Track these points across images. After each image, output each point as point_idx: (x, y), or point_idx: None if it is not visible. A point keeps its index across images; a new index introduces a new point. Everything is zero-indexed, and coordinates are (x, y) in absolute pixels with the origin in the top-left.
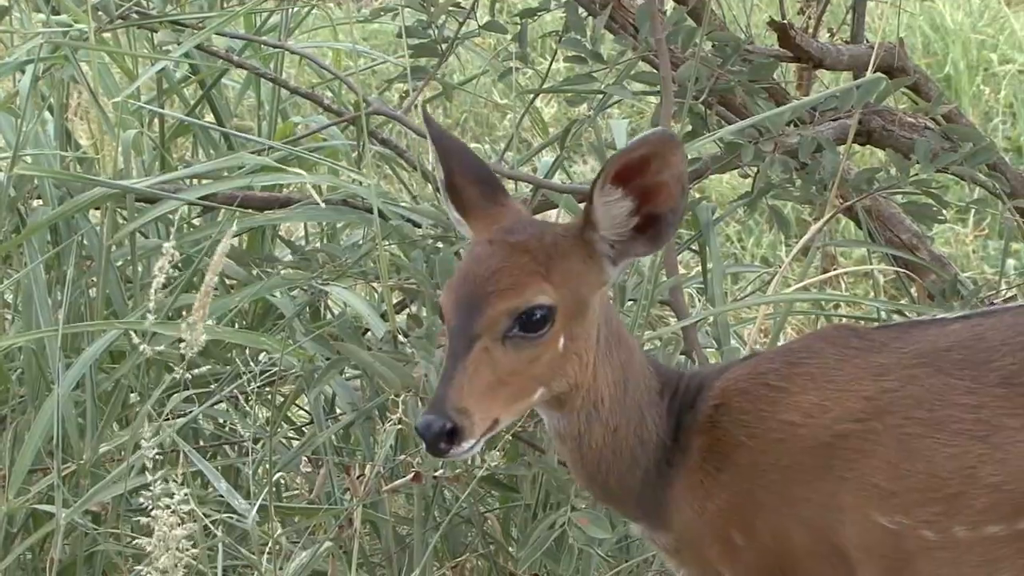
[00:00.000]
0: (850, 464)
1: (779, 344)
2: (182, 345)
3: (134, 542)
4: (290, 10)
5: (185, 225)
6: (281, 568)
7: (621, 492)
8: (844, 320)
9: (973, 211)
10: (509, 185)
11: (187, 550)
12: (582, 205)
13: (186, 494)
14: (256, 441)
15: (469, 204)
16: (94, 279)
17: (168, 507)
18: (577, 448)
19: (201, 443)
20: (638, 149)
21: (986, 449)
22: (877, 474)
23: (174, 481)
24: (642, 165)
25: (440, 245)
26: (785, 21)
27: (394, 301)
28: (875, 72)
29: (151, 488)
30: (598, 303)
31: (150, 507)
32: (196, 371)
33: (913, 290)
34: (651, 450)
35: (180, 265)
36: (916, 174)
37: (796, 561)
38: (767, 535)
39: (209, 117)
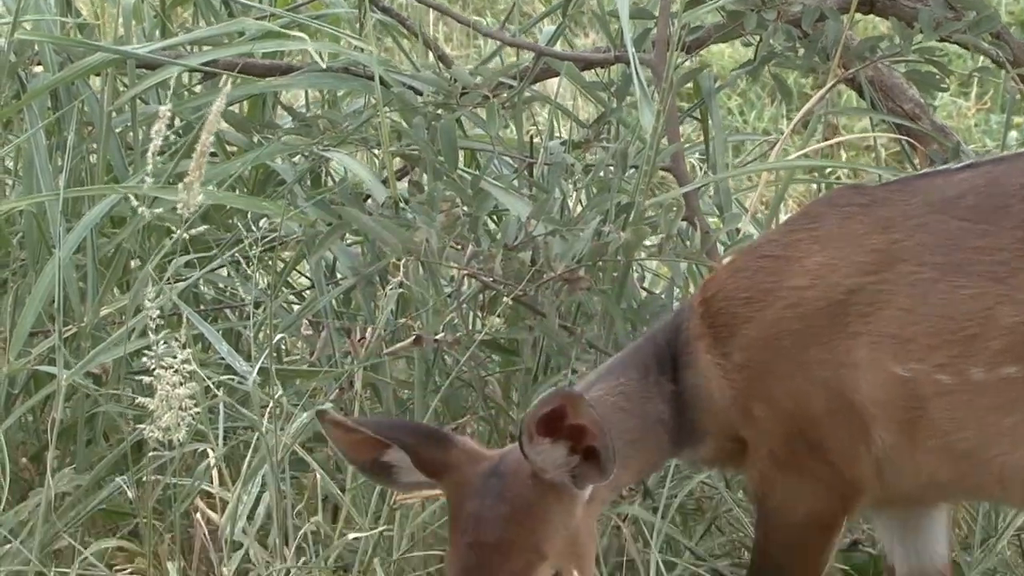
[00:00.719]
0: (864, 318)
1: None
2: (179, 207)
3: (136, 402)
4: None
5: (185, 92)
6: (282, 429)
7: (663, 457)
8: None
9: (975, 84)
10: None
11: (189, 409)
12: (585, 74)
13: (188, 353)
14: (257, 305)
15: (439, 467)
16: (94, 145)
17: (170, 366)
18: None
19: (202, 307)
20: (540, 409)
21: (1005, 291)
22: (892, 324)
23: (176, 342)
24: (560, 414)
25: (441, 112)
26: None
27: (395, 168)
28: None
29: (153, 348)
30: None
31: (152, 367)
32: (194, 231)
33: (916, 160)
34: (664, 419)
35: (181, 131)
36: (919, 42)
37: (815, 423)
38: (787, 401)
39: None
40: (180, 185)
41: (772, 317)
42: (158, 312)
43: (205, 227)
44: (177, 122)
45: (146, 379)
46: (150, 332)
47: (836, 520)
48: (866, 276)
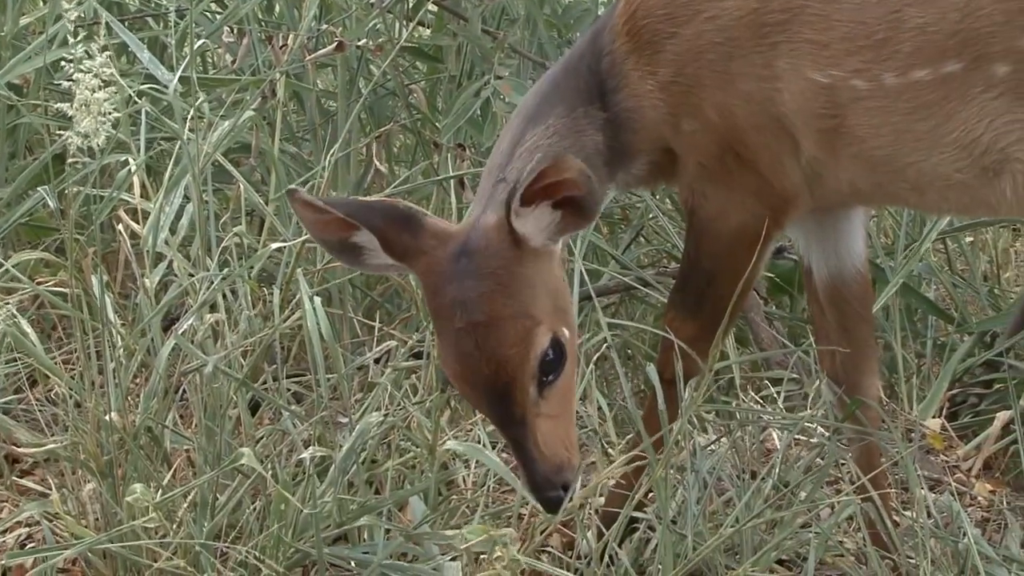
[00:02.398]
0: (781, 26)
1: None
2: None
3: (56, 107)
4: None
5: None
6: (204, 138)
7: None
8: None
9: None
10: None
11: (109, 114)
12: None
13: (108, 56)
14: (180, 15)
15: (405, 250)
16: None
17: (89, 70)
18: None
19: (124, 17)
20: (539, 180)
21: None
22: (807, 29)
23: (95, 45)
24: (540, 181)
25: None
26: None
27: None
28: None
29: (72, 52)
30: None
31: (71, 72)
32: None
33: None
34: (598, 145)
35: None
36: None
37: (742, 135)
38: (712, 113)
39: None
40: None
41: (693, 31)
42: (79, 18)
43: None
44: None
45: (68, 85)
46: (69, 36)
47: (767, 231)
48: None
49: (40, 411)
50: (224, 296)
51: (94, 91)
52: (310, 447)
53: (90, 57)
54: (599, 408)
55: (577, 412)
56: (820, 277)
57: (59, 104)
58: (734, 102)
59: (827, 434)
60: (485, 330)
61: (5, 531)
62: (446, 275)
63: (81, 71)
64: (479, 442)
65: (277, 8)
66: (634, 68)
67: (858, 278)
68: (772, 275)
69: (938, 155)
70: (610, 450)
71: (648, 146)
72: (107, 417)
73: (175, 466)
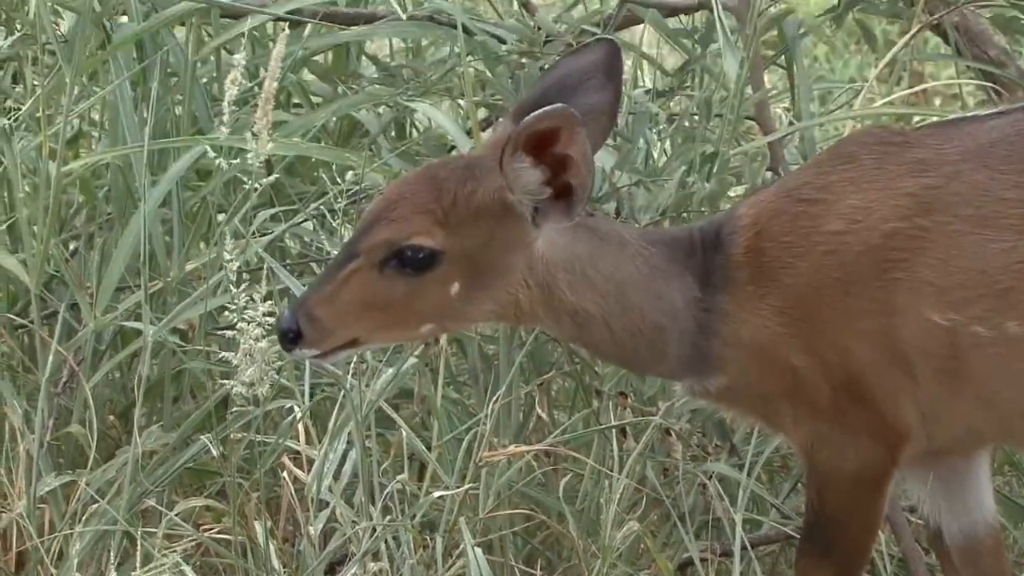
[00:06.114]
0: (902, 263)
1: None
2: (249, 156)
3: (220, 356)
4: None
5: (270, 42)
6: (367, 385)
7: (660, 359)
8: None
9: None
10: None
11: (273, 363)
12: (669, 21)
13: (271, 305)
14: None
15: None
16: (179, 96)
17: (253, 320)
18: (586, 346)
19: (287, 262)
20: (536, 123)
21: None
22: (928, 271)
23: (259, 295)
24: (551, 136)
25: (525, 61)
26: None
27: (479, 118)
28: None
29: (235, 302)
30: (540, 252)
31: (235, 320)
32: (266, 180)
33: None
34: (682, 312)
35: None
36: None
37: (860, 372)
38: (828, 352)
39: None
40: (248, 135)
41: (812, 264)
42: (243, 266)
43: (276, 177)
44: (262, 72)
45: (231, 335)
46: (231, 286)
47: (887, 469)
48: (902, 221)
49: None
50: (387, 543)
51: (258, 340)
52: None
53: (253, 303)
54: None
55: None
56: (952, 537)
57: (224, 353)
58: (852, 338)
59: None
60: (422, 182)
61: None
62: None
63: (244, 320)
64: None
65: None
66: (748, 282)
67: (991, 531)
68: None
69: None
70: None
71: (734, 368)
72: None
73: None
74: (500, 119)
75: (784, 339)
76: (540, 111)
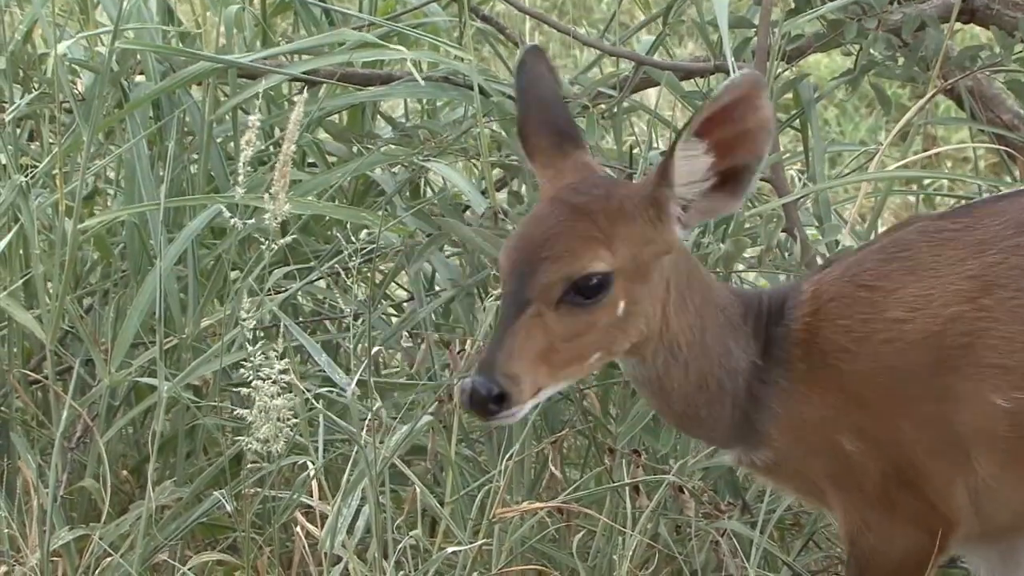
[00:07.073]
0: (964, 349)
1: (875, 232)
2: (266, 216)
3: (235, 413)
4: None
5: (286, 102)
6: (381, 442)
7: (713, 423)
8: (943, 199)
9: None
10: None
11: (287, 420)
12: (684, 83)
13: (286, 363)
14: (356, 317)
15: (536, 151)
16: (196, 155)
17: (268, 377)
18: (660, 391)
19: (301, 319)
20: (727, 95)
21: None
22: (992, 353)
23: (274, 352)
24: (727, 114)
25: None
26: None
27: (495, 178)
28: None
29: (251, 359)
30: (667, 262)
31: (250, 378)
32: (283, 241)
33: (1015, 171)
34: (741, 376)
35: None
36: (1020, 52)
37: (913, 459)
38: (880, 438)
39: None
40: (266, 195)
41: (870, 351)
42: (258, 324)
43: (293, 237)
44: (277, 132)
45: (245, 391)
46: (246, 344)
47: (931, 556)
48: (964, 304)
49: None
50: None
51: (273, 398)
52: None
53: (268, 361)
54: None
55: None
56: None
57: (239, 410)
58: (908, 425)
59: None
60: (567, 212)
61: None
62: (574, 174)
63: (260, 378)
64: None
65: (453, 314)
66: (802, 359)
67: None
68: None
69: None
70: None
71: (781, 444)
72: None
73: None
74: (515, 179)
75: (835, 422)
76: (726, 82)
